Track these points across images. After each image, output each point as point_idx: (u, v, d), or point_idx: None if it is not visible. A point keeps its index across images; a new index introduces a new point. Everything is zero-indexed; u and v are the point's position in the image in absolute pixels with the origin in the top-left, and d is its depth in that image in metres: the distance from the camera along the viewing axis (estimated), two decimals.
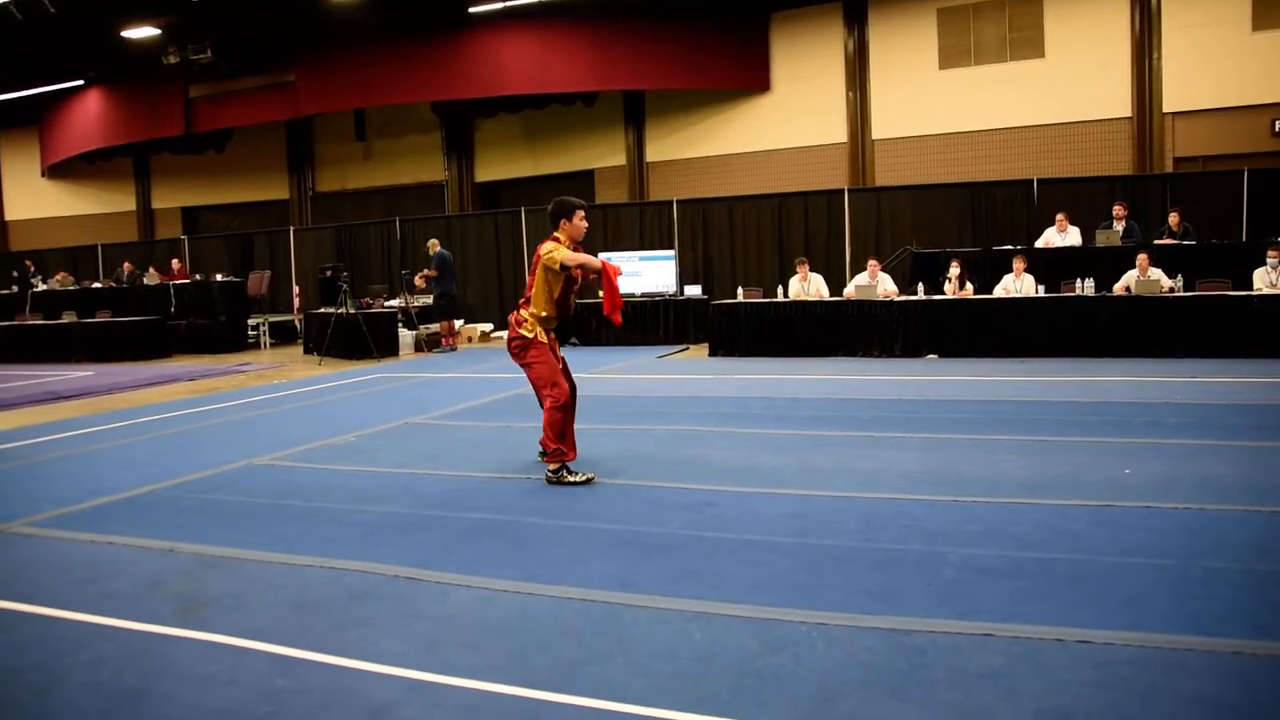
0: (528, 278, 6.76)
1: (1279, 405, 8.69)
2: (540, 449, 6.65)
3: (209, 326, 18.96)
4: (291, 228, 24.25)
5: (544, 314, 6.65)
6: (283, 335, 20.73)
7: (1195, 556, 4.50)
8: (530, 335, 6.63)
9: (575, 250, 6.58)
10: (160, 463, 7.72)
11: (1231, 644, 3.51)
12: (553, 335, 6.82)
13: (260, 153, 27.74)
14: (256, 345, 19.81)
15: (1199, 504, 5.37)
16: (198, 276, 20.93)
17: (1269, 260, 12.61)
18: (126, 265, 21.69)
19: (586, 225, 6.69)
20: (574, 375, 6.95)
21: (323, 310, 17.19)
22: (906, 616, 3.87)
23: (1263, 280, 12.61)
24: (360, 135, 26.91)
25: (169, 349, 18.49)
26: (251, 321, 20.09)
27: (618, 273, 6.55)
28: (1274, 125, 18.14)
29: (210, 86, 25.13)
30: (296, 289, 22.10)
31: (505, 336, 6.84)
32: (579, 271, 6.58)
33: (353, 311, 16.27)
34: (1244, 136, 18.34)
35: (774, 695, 3.24)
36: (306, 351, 17.53)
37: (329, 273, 18.22)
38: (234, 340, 19.15)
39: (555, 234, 6.58)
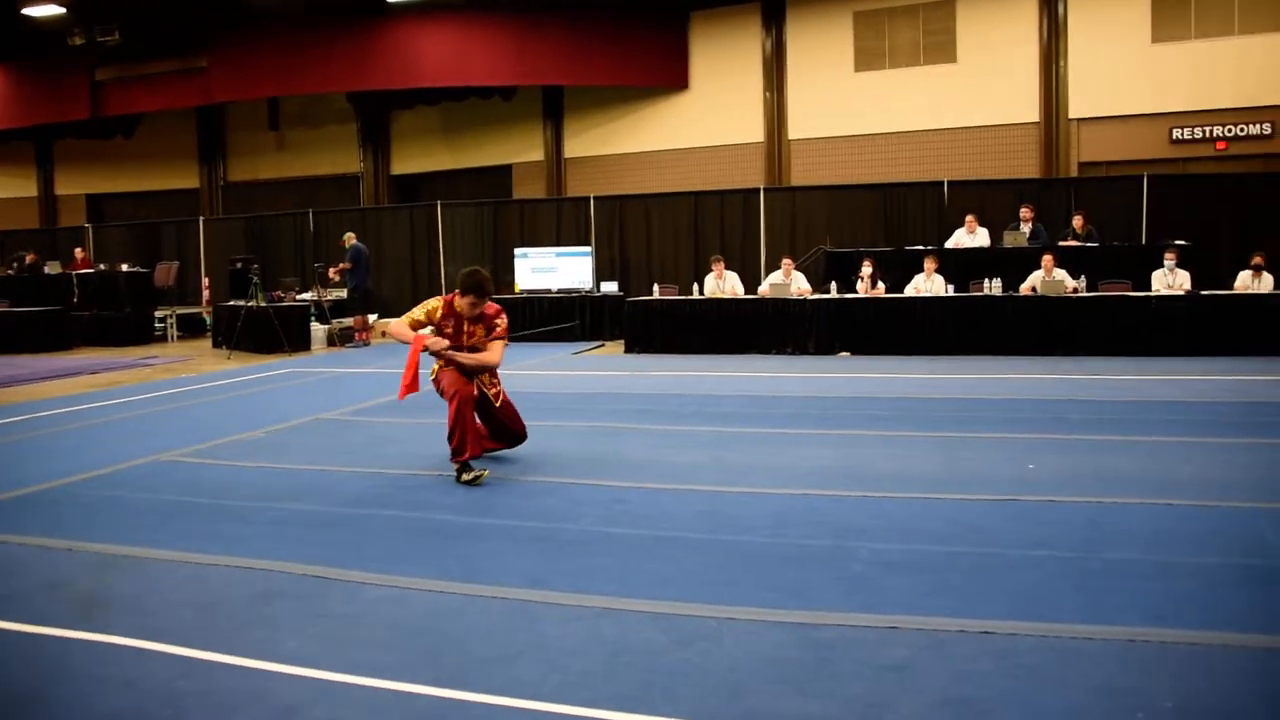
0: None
1: (1177, 401, 9.01)
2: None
3: (114, 318, 18.44)
4: (201, 218, 23.71)
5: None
6: (191, 328, 20.24)
7: (1095, 548, 4.64)
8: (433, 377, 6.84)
9: (455, 319, 6.67)
10: (60, 459, 7.49)
11: (1129, 632, 3.63)
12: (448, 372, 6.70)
13: (170, 140, 27.07)
14: (164, 338, 19.32)
15: (1099, 497, 5.54)
16: (102, 266, 20.32)
17: (1166, 262, 13.05)
18: (30, 255, 20.96)
19: (468, 313, 6.61)
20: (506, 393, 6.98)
21: (232, 303, 16.82)
22: (815, 610, 3.93)
23: (1160, 282, 13.04)
24: (274, 124, 26.42)
25: (71, 341, 17.94)
26: (158, 313, 19.57)
27: (414, 355, 6.63)
28: (1171, 133, 18.77)
29: (118, 69, 24.42)
30: (206, 281, 21.62)
31: None
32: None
33: (263, 304, 15.96)
34: (1144, 143, 18.94)
35: (683, 690, 3.26)
36: (215, 345, 17.15)
37: (239, 264, 17.81)
38: (140, 333, 18.64)
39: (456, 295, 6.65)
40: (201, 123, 26.85)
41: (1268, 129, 18.23)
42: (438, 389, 6.75)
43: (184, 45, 23.40)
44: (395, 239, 20.72)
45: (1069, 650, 3.49)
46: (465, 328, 6.70)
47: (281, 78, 23.00)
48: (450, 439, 6.40)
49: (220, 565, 4.72)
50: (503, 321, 6.81)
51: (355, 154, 25.73)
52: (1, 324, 17.68)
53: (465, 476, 6.29)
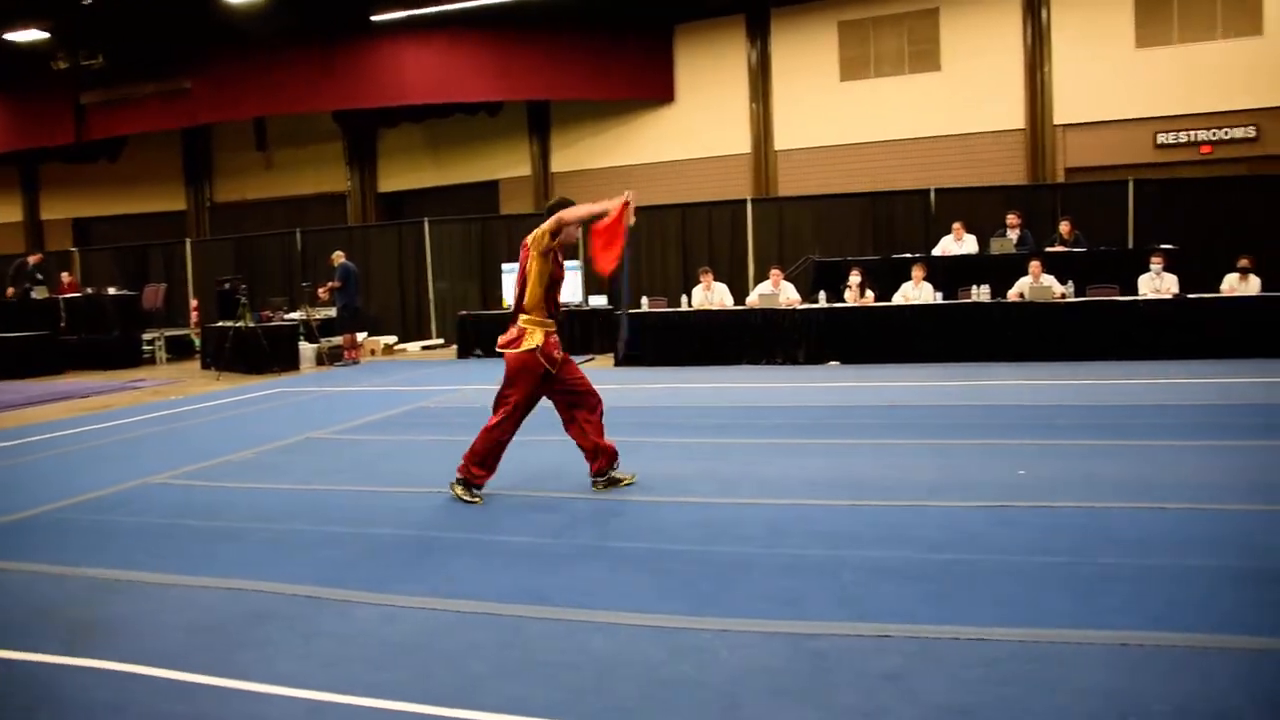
0: (514, 282, 6.31)
1: (1165, 405, 9.03)
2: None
3: (102, 342, 18.38)
4: (188, 239, 23.69)
5: (540, 317, 6.23)
6: (180, 350, 20.18)
7: (1086, 553, 4.64)
8: (533, 347, 6.12)
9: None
10: (51, 483, 7.44)
11: (1122, 636, 3.63)
12: (554, 340, 6.30)
13: (156, 162, 27.08)
14: (152, 360, 19.27)
15: (1089, 502, 5.54)
16: (89, 290, 20.27)
17: (1153, 266, 13.09)
18: (34, 256, 20.71)
19: (575, 233, 6.32)
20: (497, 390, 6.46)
21: (221, 324, 16.79)
22: (809, 620, 3.92)
23: (1148, 286, 13.08)
24: (260, 145, 26.45)
25: (60, 366, 17.86)
26: (147, 336, 19.53)
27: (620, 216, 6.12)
28: (1156, 138, 18.88)
29: (102, 93, 24.41)
30: (194, 302, 21.58)
31: (505, 355, 6.23)
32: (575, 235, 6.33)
33: (252, 325, 15.93)
34: (1129, 148, 19.05)
35: (679, 703, 3.25)
36: (204, 366, 17.11)
37: (227, 285, 17.78)
38: (129, 356, 18.59)
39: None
40: (187, 144, 26.88)
41: (1252, 131, 18.36)
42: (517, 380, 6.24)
43: (168, 67, 23.41)
44: (383, 257, 20.72)
45: (1062, 655, 3.49)
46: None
47: (267, 98, 23.01)
48: (475, 450, 6.17)
49: (212, 587, 4.69)
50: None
51: (342, 172, 25.74)
52: None
53: (466, 496, 6.19)
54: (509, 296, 17.42)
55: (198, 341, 19.39)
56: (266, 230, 23.15)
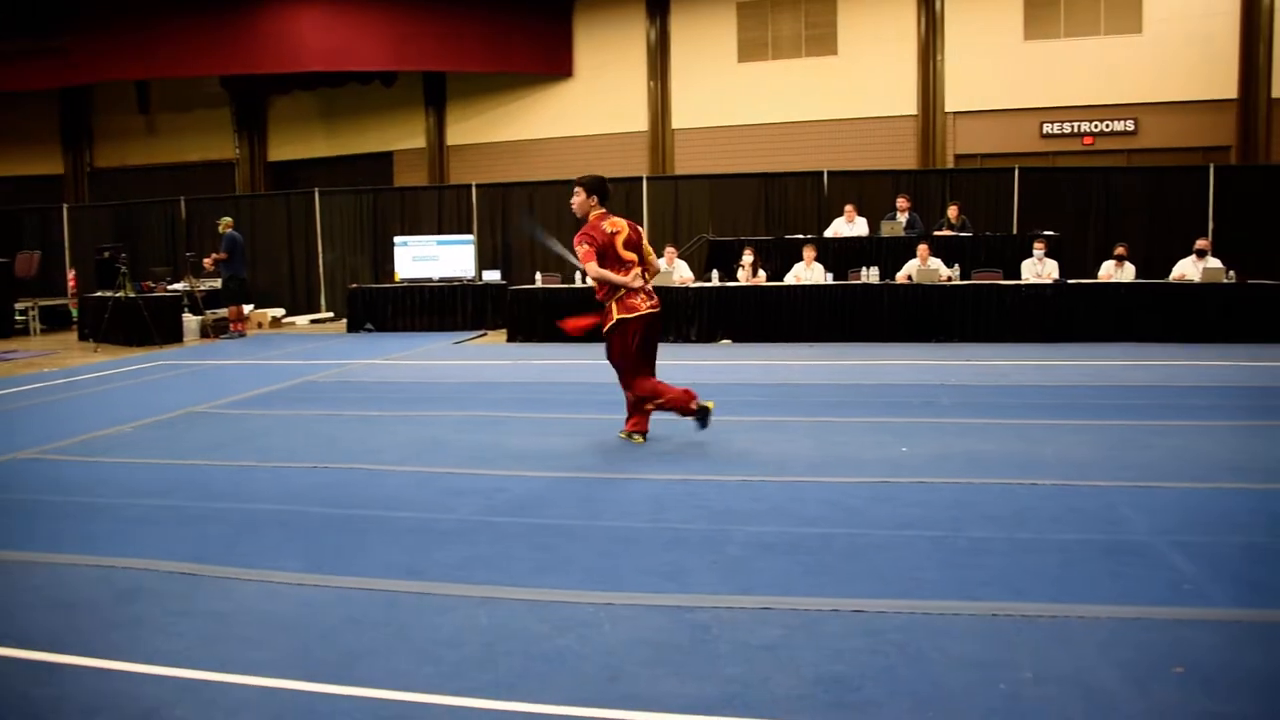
0: (632, 254, 7.42)
1: (1041, 385, 9.34)
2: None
3: None
4: (65, 205, 22.72)
5: None
6: (56, 321, 19.41)
7: (962, 527, 4.78)
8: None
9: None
10: None
11: (992, 606, 3.75)
12: None
13: (30, 123, 25.91)
14: (26, 331, 18.50)
15: (967, 478, 5.71)
16: None
17: (1035, 252, 13.49)
18: None
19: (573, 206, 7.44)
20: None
21: (100, 294, 16.20)
22: (692, 593, 3.96)
23: (1030, 271, 13.47)
24: (143, 108, 25.51)
25: None
26: (19, 305, 18.74)
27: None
28: (1042, 128, 19.46)
29: None
30: (71, 271, 20.77)
31: (653, 312, 7.43)
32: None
33: (132, 295, 15.40)
34: (1016, 137, 19.62)
35: (561, 676, 3.26)
36: (82, 338, 16.50)
37: (107, 254, 17.14)
38: (0, 326, 17.84)
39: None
40: (65, 106, 25.77)
41: (1131, 125, 19.04)
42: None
43: (42, 23, 22.35)
44: (272, 227, 20.19)
45: (936, 626, 3.59)
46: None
47: (151, 60, 22.14)
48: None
49: (81, 565, 4.53)
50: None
51: (230, 140, 25.02)
52: None
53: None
54: (402, 270, 17.16)
55: (75, 312, 18.68)
56: (149, 197, 22.33)
